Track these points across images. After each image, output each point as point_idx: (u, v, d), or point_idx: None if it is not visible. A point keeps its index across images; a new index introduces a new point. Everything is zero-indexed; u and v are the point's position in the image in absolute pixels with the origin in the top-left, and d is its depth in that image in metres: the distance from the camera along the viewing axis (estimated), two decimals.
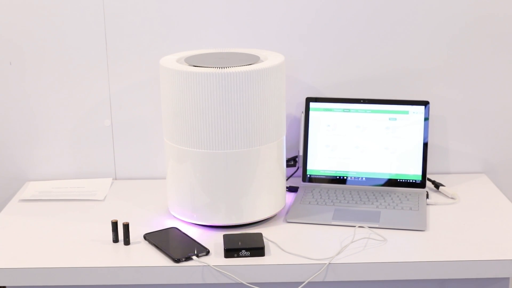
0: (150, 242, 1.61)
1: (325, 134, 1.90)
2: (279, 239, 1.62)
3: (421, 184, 1.86)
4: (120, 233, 1.63)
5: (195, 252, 1.55)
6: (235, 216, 1.67)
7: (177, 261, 1.53)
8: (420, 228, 1.67)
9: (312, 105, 1.91)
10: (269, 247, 1.59)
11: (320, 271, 1.51)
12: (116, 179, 2.02)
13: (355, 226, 1.66)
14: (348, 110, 1.90)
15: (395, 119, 1.88)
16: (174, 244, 1.61)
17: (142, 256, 1.57)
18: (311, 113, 1.91)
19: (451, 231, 1.66)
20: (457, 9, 1.91)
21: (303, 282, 1.52)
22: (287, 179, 1.87)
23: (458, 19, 1.92)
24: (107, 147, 2.00)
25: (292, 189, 1.89)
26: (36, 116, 1.97)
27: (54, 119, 1.98)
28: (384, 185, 1.87)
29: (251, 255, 1.55)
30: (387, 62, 1.95)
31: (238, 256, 1.55)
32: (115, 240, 1.63)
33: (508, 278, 1.59)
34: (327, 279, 1.53)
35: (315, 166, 1.91)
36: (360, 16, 1.91)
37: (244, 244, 1.56)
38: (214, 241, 1.61)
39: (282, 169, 1.75)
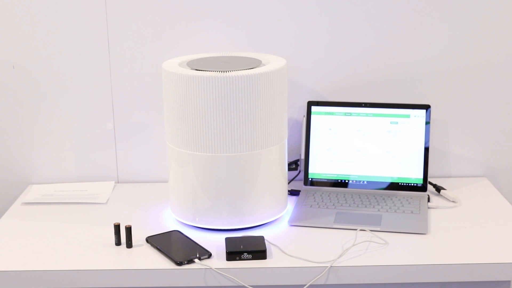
0: (152, 245, 1.62)
1: (326, 137, 1.91)
2: (280, 242, 1.62)
3: (422, 188, 1.87)
4: (123, 236, 1.63)
5: (197, 255, 1.55)
6: (237, 219, 1.68)
7: (179, 264, 1.53)
8: (422, 231, 1.67)
9: (314, 108, 1.91)
10: (271, 250, 1.59)
11: (322, 274, 1.52)
12: (118, 182, 2.03)
13: (356, 230, 1.66)
14: (350, 114, 1.90)
15: (397, 122, 1.88)
16: (176, 247, 1.61)
17: (145, 259, 1.57)
18: (312, 116, 1.92)
19: (452, 234, 1.67)
20: (459, 12, 1.91)
21: (304, 285, 1.52)
22: (288, 183, 1.87)
23: (459, 23, 1.92)
24: (110, 150, 2.00)
25: (293, 192, 1.90)
26: (39, 120, 1.98)
27: (57, 123, 1.98)
28: (385, 188, 1.88)
29: (253, 258, 1.55)
30: (389, 66, 1.95)
31: (240, 259, 1.55)
32: (118, 243, 1.63)
33: (509, 281, 1.59)
34: (328, 282, 1.53)
35: (316, 169, 1.91)
36: (362, 20, 1.92)
37: (246, 247, 1.57)
38: (216, 244, 1.61)
39: (283, 173, 1.75)
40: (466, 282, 1.57)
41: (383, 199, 1.83)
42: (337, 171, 1.90)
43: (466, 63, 1.95)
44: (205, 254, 1.56)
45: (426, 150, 1.87)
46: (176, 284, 1.54)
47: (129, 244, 1.62)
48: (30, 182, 2.02)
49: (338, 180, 1.90)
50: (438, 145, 2.00)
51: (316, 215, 1.75)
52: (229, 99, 1.59)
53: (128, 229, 1.61)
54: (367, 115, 1.89)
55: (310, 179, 1.91)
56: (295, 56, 1.92)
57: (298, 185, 1.93)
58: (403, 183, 1.88)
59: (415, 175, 1.87)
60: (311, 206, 1.80)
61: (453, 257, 1.56)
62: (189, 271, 1.53)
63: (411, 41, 1.93)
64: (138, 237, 1.65)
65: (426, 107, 1.87)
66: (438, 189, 1.90)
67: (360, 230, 1.66)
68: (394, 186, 1.88)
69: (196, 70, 1.64)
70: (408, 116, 1.88)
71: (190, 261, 1.54)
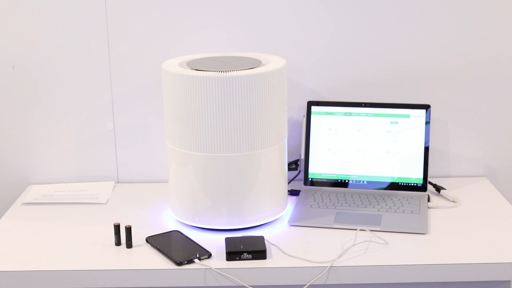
0: (152, 245, 1.62)
1: (326, 137, 1.91)
2: (280, 242, 1.62)
3: (422, 188, 1.87)
4: (123, 236, 1.63)
5: (197, 255, 1.55)
6: (237, 219, 1.68)
7: (179, 264, 1.53)
8: (422, 231, 1.67)
9: (314, 108, 1.91)
10: (270, 250, 1.59)
11: (322, 274, 1.52)
12: (118, 182, 2.03)
13: (356, 229, 1.66)
14: (350, 114, 1.90)
15: (397, 122, 1.88)
16: (176, 247, 1.61)
17: (145, 259, 1.57)
18: (312, 116, 1.92)
19: (452, 234, 1.67)
20: (458, 12, 1.91)
21: (304, 285, 1.52)
22: (288, 183, 1.87)
23: (459, 23, 1.92)
24: (110, 150, 2.00)
25: (293, 192, 1.90)
26: (39, 120, 1.98)
27: (57, 123, 1.99)
28: (385, 188, 1.88)
29: (253, 258, 1.55)
30: (389, 66, 1.95)
31: (240, 259, 1.55)
32: (118, 243, 1.63)
33: (509, 281, 1.59)
34: (328, 282, 1.53)
35: (316, 169, 1.91)
36: (362, 20, 1.92)
37: (246, 247, 1.57)
38: (216, 244, 1.61)
39: (283, 173, 1.75)
40: (466, 282, 1.57)
41: (383, 199, 1.83)
42: (337, 171, 1.90)
43: (466, 63, 1.95)
44: (205, 254, 1.57)
45: (426, 150, 1.87)
46: (176, 284, 1.54)
47: (129, 244, 1.62)
48: (30, 182, 2.03)
49: (338, 180, 1.90)
50: (438, 145, 2.00)
51: (316, 215, 1.75)
52: (229, 99, 1.59)
53: (128, 229, 1.62)
54: (367, 115, 1.89)
55: (310, 179, 1.91)
56: (295, 56, 1.92)
57: (298, 185, 1.93)
58: (403, 183, 1.88)
59: (415, 175, 1.87)
60: (311, 206, 1.80)
61: (453, 257, 1.56)
62: (189, 271, 1.53)
63: (411, 41, 1.93)
64: (138, 237, 1.65)
65: (426, 107, 1.87)
66: (438, 189, 1.91)
67: (360, 230, 1.66)
68: (394, 186, 1.88)
69: (196, 70, 1.64)
70: (408, 116, 1.88)
71: (190, 261, 1.54)
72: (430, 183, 1.92)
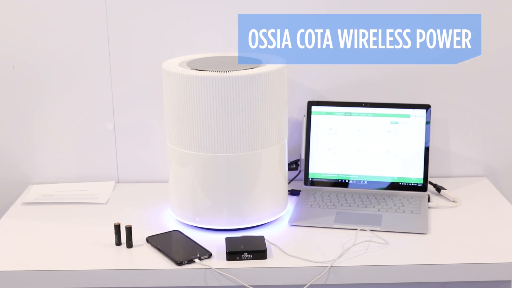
0: (152, 245, 1.62)
1: (327, 137, 1.91)
2: (281, 242, 1.62)
3: (422, 188, 1.87)
4: (123, 236, 1.63)
5: (198, 255, 1.55)
6: (237, 219, 1.68)
7: (179, 264, 1.53)
8: (422, 231, 1.67)
9: (314, 108, 1.91)
10: (271, 250, 1.59)
11: (322, 274, 1.52)
12: (118, 182, 2.03)
13: (356, 229, 1.66)
14: (350, 114, 1.90)
15: (397, 122, 1.88)
16: (176, 247, 1.61)
17: (145, 259, 1.57)
18: (313, 116, 1.92)
19: (453, 234, 1.67)
20: (459, 12, 1.91)
21: (305, 285, 1.52)
22: (289, 183, 1.87)
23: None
24: (110, 150, 2.00)
25: (294, 192, 1.90)
26: (39, 120, 1.98)
27: (57, 123, 1.99)
28: (385, 188, 1.88)
29: (253, 258, 1.55)
30: (389, 66, 1.95)
31: (240, 259, 1.55)
32: (118, 243, 1.63)
33: (509, 281, 1.60)
34: (328, 282, 1.53)
35: (317, 169, 1.91)
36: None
37: (246, 247, 1.57)
38: (216, 244, 1.61)
39: (284, 173, 1.75)
40: (466, 282, 1.57)
41: (383, 199, 1.83)
42: (337, 171, 1.90)
43: (467, 63, 1.95)
44: (205, 254, 1.57)
45: (426, 150, 1.87)
46: (176, 284, 1.54)
47: (129, 244, 1.62)
48: (30, 182, 2.02)
49: (338, 180, 1.90)
50: (438, 145, 2.00)
51: (316, 215, 1.75)
52: (229, 99, 1.59)
53: (128, 229, 1.62)
54: (367, 115, 1.89)
55: (310, 179, 1.91)
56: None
57: (298, 185, 1.93)
58: (403, 183, 1.88)
59: (415, 175, 1.87)
60: (311, 206, 1.81)
61: (453, 257, 1.56)
62: (189, 271, 1.53)
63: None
64: (139, 237, 1.65)
65: (426, 107, 1.87)
66: (438, 189, 1.91)
67: (360, 230, 1.66)
68: (394, 186, 1.88)
69: (196, 70, 1.64)
70: (408, 116, 1.88)
71: (190, 261, 1.54)
72: (431, 183, 1.92)
